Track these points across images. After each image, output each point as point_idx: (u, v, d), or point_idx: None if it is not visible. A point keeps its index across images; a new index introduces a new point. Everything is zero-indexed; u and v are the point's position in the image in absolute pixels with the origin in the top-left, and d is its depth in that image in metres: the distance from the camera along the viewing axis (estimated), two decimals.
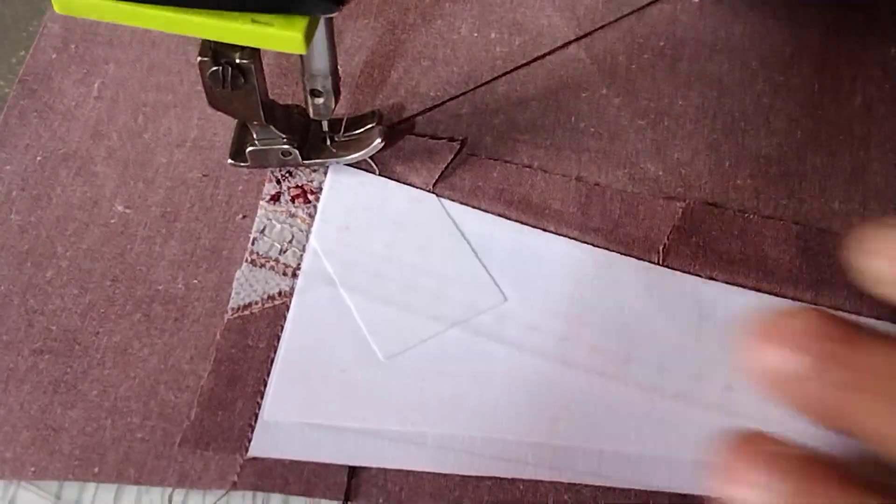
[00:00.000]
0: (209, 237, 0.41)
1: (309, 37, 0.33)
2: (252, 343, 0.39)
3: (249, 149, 0.41)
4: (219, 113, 0.40)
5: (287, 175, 0.42)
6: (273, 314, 0.39)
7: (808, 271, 0.40)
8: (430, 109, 0.44)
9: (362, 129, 0.41)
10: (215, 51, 0.35)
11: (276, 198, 0.42)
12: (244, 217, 0.42)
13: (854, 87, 0.45)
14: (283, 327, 0.39)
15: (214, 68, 0.36)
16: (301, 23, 0.32)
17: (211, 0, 0.32)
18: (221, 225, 0.42)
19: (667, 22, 0.46)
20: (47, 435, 0.37)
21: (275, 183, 0.42)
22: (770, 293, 0.40)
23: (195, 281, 0.40)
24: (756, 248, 0.41)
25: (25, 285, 0.40)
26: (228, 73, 0.36)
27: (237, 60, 0.35)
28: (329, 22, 0.35)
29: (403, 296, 0.40)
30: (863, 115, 0.44)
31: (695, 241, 0.41)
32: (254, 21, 0.32)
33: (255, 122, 0.39)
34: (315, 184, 0.42)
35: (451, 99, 0.44)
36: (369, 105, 0.44)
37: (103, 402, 0.38)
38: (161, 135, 0.44)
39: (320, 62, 0.37)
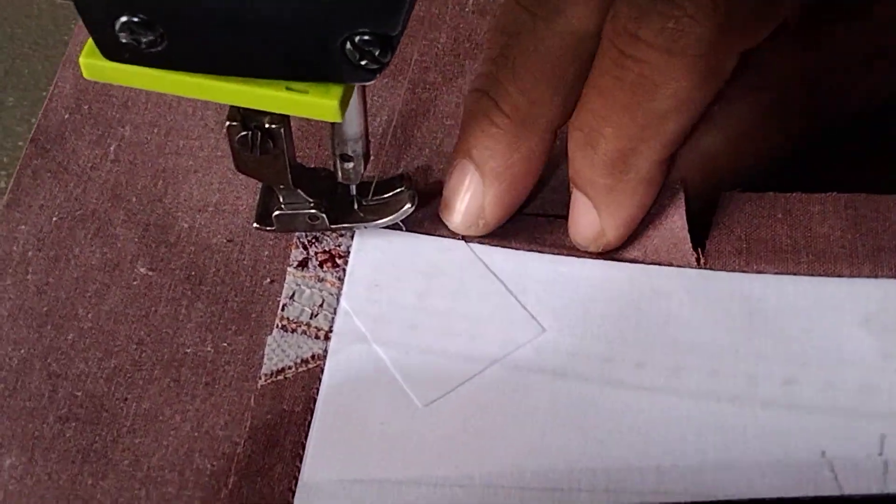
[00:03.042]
0: (237, 300, 0.41)
1: (344, 105, 0.32)
2: (287, 408, 0.38)
3: (276, 213, 0.40)
4: (240, 177, 0.40)
5: (314, 240, 0.42)
6: (307, 377, 0.38)
7: (862, 242, 0.38)
8: None
9: (391, 193, 0.41)
10: (244, 115, 0.35)
11: (303, 263, 0.41)
12: (272, 281, 0.41)
13: None
14: (318, 390, 0.38)
15: (243, 133, 0.35)
16: (337, 91, 0.32)
17: (245, 68, 0.31)
18: (249, 289, 0.41)
19: None
20: None
21: (302, 249, 0.41)
22: (824, 275, 0.38)
23: (224, 344, 0.40)
24: (804, 228, 0.39)
25: (47, 349, 0.39)
26: (258, 137, 0.35)
27: (266, 125, 0.35)
28: (363, 88, 0.35)
29: (439, 343, 0.39)
30: None
31: (736, 234, 0.39)
32: (288, 88, 0.32)
33: (282, 186, 0.38)
34: (343, 248, 0.41)
35: None
36: (394, 167, 0.44)
37: (136, 472, 0.37)
38: (182, 199, 0.43)
39: (352, 127, 0.36)
